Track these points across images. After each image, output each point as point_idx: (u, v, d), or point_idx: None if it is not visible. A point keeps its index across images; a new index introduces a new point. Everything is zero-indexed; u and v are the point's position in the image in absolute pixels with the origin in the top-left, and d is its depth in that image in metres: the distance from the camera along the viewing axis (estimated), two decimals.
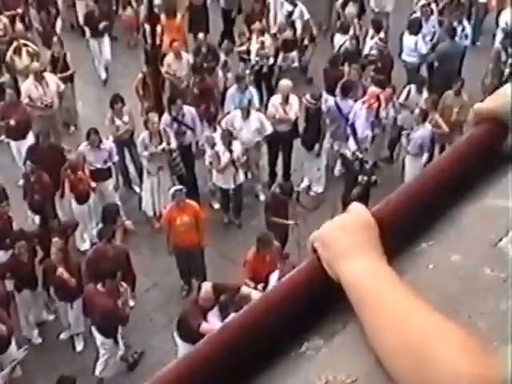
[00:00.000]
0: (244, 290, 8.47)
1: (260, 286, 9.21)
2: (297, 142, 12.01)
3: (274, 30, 14.43)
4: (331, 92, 12.23)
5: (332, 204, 10.37)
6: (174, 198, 10.09)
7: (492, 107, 1.32)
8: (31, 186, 10.65)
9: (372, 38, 13.47)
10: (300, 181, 12.24)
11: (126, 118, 11.61)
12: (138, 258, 10.24)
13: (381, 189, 10.94)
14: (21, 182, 11.31)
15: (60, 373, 8.50)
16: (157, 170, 11.19)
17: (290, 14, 14.34)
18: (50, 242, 9.50)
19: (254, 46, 13.40)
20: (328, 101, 12.08)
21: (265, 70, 13.56)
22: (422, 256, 1.20)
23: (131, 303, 9.63)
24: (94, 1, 14.94)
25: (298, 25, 14.21)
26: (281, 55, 13.92)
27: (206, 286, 8.58)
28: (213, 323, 8.20)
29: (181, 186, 10.41)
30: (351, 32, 13.74)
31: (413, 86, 12.29)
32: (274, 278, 8.89)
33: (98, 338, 9.12)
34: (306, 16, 14.29)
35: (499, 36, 13.96)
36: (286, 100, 11.72)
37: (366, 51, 13.46)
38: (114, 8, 15.94)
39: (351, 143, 11.60)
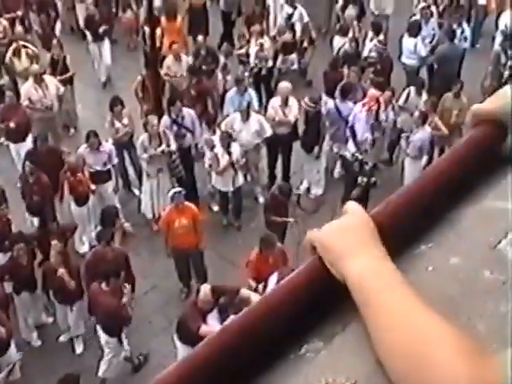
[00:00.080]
0: (243, 292, 8.47)
1: (260, 286, 9.23)
2: (296, 145, 12.01)
3: (273, 33, 14.44)
4: (331, 94, 12.24)
5: (332, 206, 10.36)
6: (172, 201, 10.09)
7: (491, 109, 1.31)
8: (30, 187, 10.65)
9: (371, 40, 13.48)
10: (299, 183, 12.24)
11: (125, 121, 11.62)
12: (137, 261, 10.23)
13: (380, 191, 10.95)
14: (19, 184, 11.31)
15: (59, 375, 8.48)
16: (156, 173, 11.19)
17: (290, 16, 14.36)
18: (49, 245, 9.49)
19: (253, 49, 13.41)
20: (327, 103, 12.09)
21: (264, 72, 13.57)
22: (422, 258, 1.20)
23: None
24: (94, 4, 14.96)
25: (298, 27, 14.22)
26: (280, 57, 13.93)
27: (205, 289, 8.58)
28: (212, 326, 8.20)
29: (180, 189, 10.41)
30: (350, 34, 13.75)
31: (412, 89, 12.30)
32: (272, 280, 8.89)
33: (103, 337, 9.13)
34: (306, 19, 14.31)
35: (498, 38, 13.97)
36: (285, 102, 11.72)
37: (365, 53, 13.47)
38: (114, 10, 15.95)
39: (351, 145, 11.61)
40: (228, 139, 10.93)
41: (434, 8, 14.47)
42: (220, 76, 13.04)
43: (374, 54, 13.20)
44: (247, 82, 12.72)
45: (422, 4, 14.46)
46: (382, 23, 14.18)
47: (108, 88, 14.45)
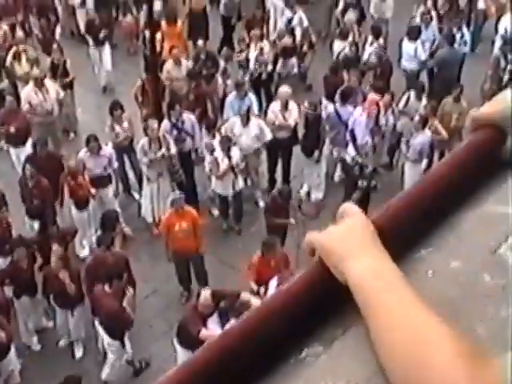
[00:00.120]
0: (243, 296, 8.46)
1: (262, 289, 9.24)
2: (296, 149, 12.02)
3: (273, 37, 14.46)
4: (331, 98, 12.24)
5: (332, 210, 10.36)
6: (172, 205, 10.09)
7: (490, 113, 1.31)
8: (30, 191, 10.65)
9: (371, 44, 13.49)
10: (300, 187, 12.24)
11: (125, 125, 11.63)
12: (138, 265, 10.23)
13: (380, 194, 10.96)
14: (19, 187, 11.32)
15: (59, 379, 8.49)
16: (156, 177, 11.19)
17: (290, 20, 14.38)
18: (50, 249, 9.49)
19: (253, 54, 13.42)
20: (327, 107, 12.09)
21: (264, 76, 13.58)
22: (422, 262, 1.20)
23: None
24: (94, 9, 14.97)
25: (298, 32, 14.23)
26: (280, 62, 13.93)
27: (206, 293, 8.58)
28: (212, 330, 8.20)
29: (180, 193, 10.42)
30: (350, 38, 13.76)
31: (412, 93, 12.31)
32: (272, 284, 8.90)
33: (105, 339, 9.14)
34: (306, 23, 14.33)
35: (498, 42, 13.98)
36: (285, 106, 11.73)
37: (365, 58, 13.48)
38: (114, 15, 15.96)
39: (351, 149, 11.61)
40: (228, 143, 10.93)
41: (434, 12, 14.49)
42: (220, 80, 13.04)
43: (373, 58, 13.21)
44: (247, 87, 12.73)
45: (422, 8, 14.47)
46: (382, 27, 14.20)
47: (108, 92, 14.46)
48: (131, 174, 12.24)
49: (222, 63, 13.28)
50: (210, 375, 1.04)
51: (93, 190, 10.89)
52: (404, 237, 1.21)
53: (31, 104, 12.17)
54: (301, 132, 12.01)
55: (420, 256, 1.22)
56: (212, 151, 11.01)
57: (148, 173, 11.27)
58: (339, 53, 13.61)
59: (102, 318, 9.05)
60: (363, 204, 9.95)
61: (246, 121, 11.39)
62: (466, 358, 0.96)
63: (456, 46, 13.52)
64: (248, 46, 13.63)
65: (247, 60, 13.52)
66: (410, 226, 1.23)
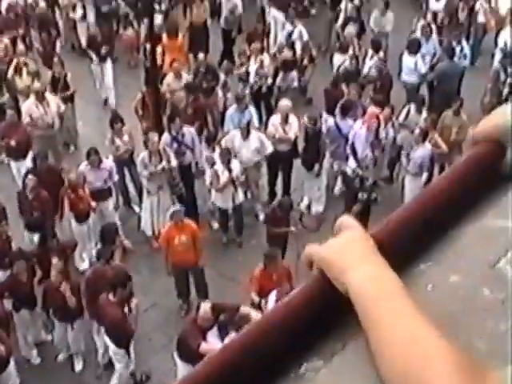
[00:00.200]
0: (243, 309, 8.45)
1: (263, 301, 9.23)
2: (297, 162, 12.02)
3: (273, 50, 14.50)
4: (332, 112, 12.26)
5: (332, 223, 10.31)
6: (172, 218, 10.09)
7: (491, 130, 1.31)
8: (29, 203, 10.65)
9: (371, 58, 13.52)
10: (300, 200, 12.24)
11: (125, 138, 11.64)
12: (137, 278, 10.20)
13: (381, 207, 10.96)
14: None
15: None
16: (157, 190, 11.20)
17: (290, 34, 14.43)
18: (49, 262, 9.48)
19: (253, 67, 13.45)
20: (328, 121, 12.11)
21: (264, 89, 13.60)
22: (421, 276, 1.20)
23: None
24: (95, 23, 15.01)
25: (298, 45, 14.28)
26: (280, 75, 13.96)
27: (205, 306, 8.56)
28: (212, 343, 8.17)
29: (180, 206, 10.42)
30: (350, 52, 13.80)
31: (412, 106, 12.33)
32: (272, 298, 8.88)
33: (111, 347, 9.12)
34: (306, 37, 14.37)
35: (498, 56, 14.02)
36: (285, 120, 11.75)
37: (365, 71, 13.51)
38: (115, 28, 16.01)
39: (351, 163, 11.62)
40: (228, 156, 10.94)
41: (433, 26, 14.54)
42: (220, 93, 13.07)
43: (373, 71, 13.24)
44: (247, 100, 12.76)
45: (422, 22, 14.52)
46: (382, 41, 14.24)
47: (108, 105, 14.47)
48: (131, 187, 12.24)
49: (222, 76, 13.31)
50: None
51: (93, 203, 10.89)
52: (403, 251, 1.21)
53: (32, 117, 12.18)
54: (301, 145, 12.02)
55: (419, 270, 1.22)
56: (212, 164, 11.02)
57: (148, 186, 11.27)
58: (339, 66, 13.65)
59: (106, 327, 9.03)
60: (363, 216, 9.96)
61: (246, 134, 11.41)
62: (465, 371, 0.96)
63: (456, 59, 13.56)
64: (248, 59, 13.67)
65: (247, 73, 13.56)
66: (410, 240, 1.23)
